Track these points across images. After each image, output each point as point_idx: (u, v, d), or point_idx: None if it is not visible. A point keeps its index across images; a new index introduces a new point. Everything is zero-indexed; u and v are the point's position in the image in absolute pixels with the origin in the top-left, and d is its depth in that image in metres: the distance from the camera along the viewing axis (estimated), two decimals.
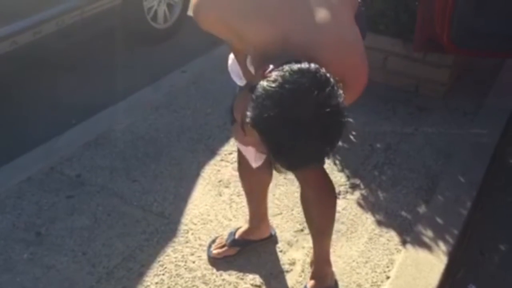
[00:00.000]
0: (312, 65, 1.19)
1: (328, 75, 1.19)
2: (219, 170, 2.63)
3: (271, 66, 1.21)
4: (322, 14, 1.34)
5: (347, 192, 2.53)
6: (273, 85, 1.17)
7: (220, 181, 2.56)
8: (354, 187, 2.56)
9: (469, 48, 2.66)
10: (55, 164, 2.60)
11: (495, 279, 2.23)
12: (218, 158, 2.71)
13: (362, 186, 2.57)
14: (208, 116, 3.01)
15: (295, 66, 1.18)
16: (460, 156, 2.78)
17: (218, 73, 3.20)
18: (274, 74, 1.18)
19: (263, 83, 1.18)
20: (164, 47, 3.92)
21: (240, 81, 1.73)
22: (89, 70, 3.56)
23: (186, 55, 3.68)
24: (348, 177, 2.61)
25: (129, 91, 3.22)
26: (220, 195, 2.48)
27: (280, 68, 1.19)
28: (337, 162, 2.68)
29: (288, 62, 1.21)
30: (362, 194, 2.52)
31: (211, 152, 2.74)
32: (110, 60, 3.62)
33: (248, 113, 1.19)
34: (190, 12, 4.00)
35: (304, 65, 1.19)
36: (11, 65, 3.05)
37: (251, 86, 1.23)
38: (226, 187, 2.52)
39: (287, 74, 1.17)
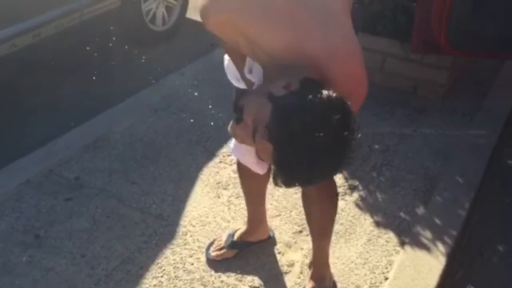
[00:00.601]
0: (338, 95, 1.20)
1: (351, 109, 1.21)
2: (217, 172, 2.63)
3: (293, 81, 1.22)
4: (329, 24, 1.34)
5: (345, 193, 2.53)
6: (300, 105, 1.17)
7: (218, 183, 2.56)
8: (352, 188, 2.56)
9: (466, 49, 2.67)
10: (54, 167, 2.60)
11: (494, 279, 2.23)
12: (216, 160, 2.71)
13: (360, 188, 2.57)
14: (206, 118, 3.02)
15: (325, 93, 1.19)
16: (459, 157, 2.79)
17: (216, 75, 3.17)
18: (302, 94, 1.19)
19: (291, 101, 1.19)
20: (162, 49, 3.92)
21: (237, 83, 1.71)
22: (88, 72, 3.56)
23: (185, 57, 3.68)
24: (347, 179, 2.61)
25: (128, 93, 3.22)
26: (219, 197, 2.48)
27: (307, 89, 1.19)
28: None
29: (310, 78, 1.22)
30: (360, 196, 2.52)
31: (210, 154, 2.74)
32: (109, 62, 3.62)
33: (267, 125, 1.20)
34: (188, 15, 4.02)
35: (332, 93, 1.20)
36: (10, 67, 3.05)
37: (270, 94, 1.22)
38: (225, 189, 2.53)
39: (317, 100, 1.18)
